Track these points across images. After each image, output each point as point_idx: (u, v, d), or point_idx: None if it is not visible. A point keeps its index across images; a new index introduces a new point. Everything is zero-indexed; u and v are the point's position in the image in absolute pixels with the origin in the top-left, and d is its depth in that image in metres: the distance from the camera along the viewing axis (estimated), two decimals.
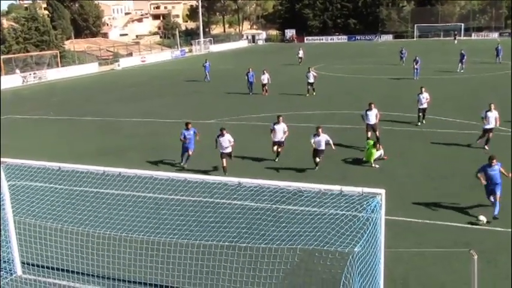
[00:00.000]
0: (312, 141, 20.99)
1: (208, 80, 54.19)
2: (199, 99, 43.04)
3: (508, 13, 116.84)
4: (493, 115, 23.39)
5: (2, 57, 65.09)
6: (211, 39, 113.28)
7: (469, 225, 15.58)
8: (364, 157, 22.68)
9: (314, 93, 41.40)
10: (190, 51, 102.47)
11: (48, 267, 12.95)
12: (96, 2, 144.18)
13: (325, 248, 11.49)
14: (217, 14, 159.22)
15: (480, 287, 10.62)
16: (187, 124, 22.43)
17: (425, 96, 28.40)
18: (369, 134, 23.91)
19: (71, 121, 35.64)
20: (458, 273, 12.57)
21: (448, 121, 29.87)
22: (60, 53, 75.10)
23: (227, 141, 20.81)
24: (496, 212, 15.58)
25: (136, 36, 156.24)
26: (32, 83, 63.37)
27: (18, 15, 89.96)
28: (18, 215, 13.41)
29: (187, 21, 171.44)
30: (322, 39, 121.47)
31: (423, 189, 19.13)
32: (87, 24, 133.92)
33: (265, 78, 43.01)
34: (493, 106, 23.56)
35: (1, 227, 13.05)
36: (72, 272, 12.75)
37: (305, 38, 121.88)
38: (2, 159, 12.43)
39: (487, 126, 23.58)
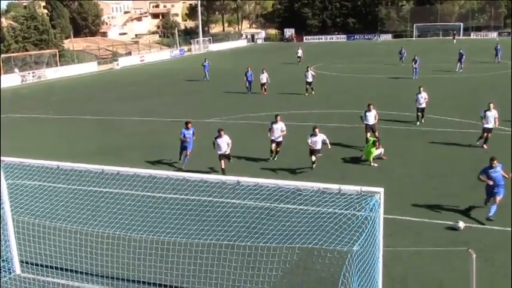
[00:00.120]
0: (309, 141, 20.89)
1: (207, 79, 54.19)
2: (199, 98, 43.04)
3: (507, 12, 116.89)
4: (492, 114, 23.39)
5: (1, 56, 65.02)
6: (211, 38, 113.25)
7: (468, 224, 15.58)
8: (363, 155, 22.69)
9: (313, 93, 41.41)
10: (190, 50, 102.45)
11: (47, 266, 12.95)
12: (95, 1, 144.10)
13: (323, 246, 11.48)
14: (217, 13, 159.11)
15: (478, 285, 10.64)
16: (187, 123, 22.30)
17: (423, 96, 28.40)
18: (368, 134, 23.91)
19: (70, 120, 35.63)
20: (456, 271, 12.59)
21: (447, 120, 29.89)
22: (59, 52, 75.04)
23: (225, 142, 20.59)
24: (490, 214, 15.45)
25: (136, 35, 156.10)
26: (31, 82, 63.35)
27: (17, 14, 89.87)
28: (16, 214, 13.41)
29: (186, 20, 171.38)
30: (321, 39, 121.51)
31: (422, 188, 19.15)
32: (86, 23, 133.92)
33: (264, 77, 43.02)
34: (492, 105, 23.57)
35: (0, 226, 13.04)
36: (71, 270, 12.76)
37: (304, 37, 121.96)
38: (1, 157, 12.43)
39: (486, 126, 23.59)
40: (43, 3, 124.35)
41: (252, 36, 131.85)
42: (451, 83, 45.37)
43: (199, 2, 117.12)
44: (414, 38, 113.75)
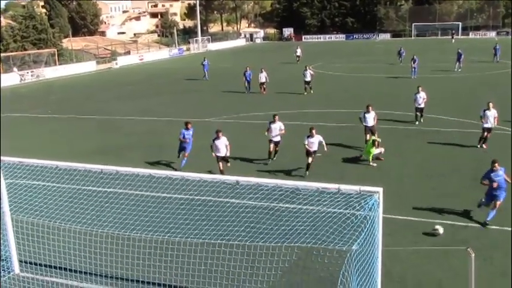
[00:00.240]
0: (306, 142, 20.57)
1: (206, 78, 54.18)
2: (197, 97, 43.04)
3: (506, 12, 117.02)
4: (492, 114, 23.33)
5: (0, 55, 64.96)
6: (209, 37, 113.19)
7: (466, 223, 15.61)
8: (362, 154, 22.69)
9: (311, 92, 41.44)
10: (188, 49, 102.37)
11: (45, 266, 12.95)
12: (93, 0, 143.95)
13: (323, 246, 11.50)
14: (215, 12, 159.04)
15: (477, 284, 10.65)
16: (187, 124, 22.08)
17: (422, 96, 28.39)
18: (368, 136, 23.74)
19: (69, 119, 35.61)
20: (455, 271, 12.62)
21: (446, 120, 29.92)
22: (57, 51, 74.96)
23: (223, 144, 20.21)
24: (489, 218, 15.36)
25: (134, 34, 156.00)
26: (30, 81, 63.28)
27: (16, 14, 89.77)
28: (15, 213, 13.40)
29: (185, 20, 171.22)
30: (320, 38, 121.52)
31: (421, 187, 19.18)
32: (85, 23, 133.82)
33: (263, 76, 43.03)
34: (491, 105, 23.51)
35: None
36: (70, 270, 12.76)
37: (303, 37, 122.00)
38: (0, 157, 12.43)
39: (486, 125, 23.56)
40: (41, 3, 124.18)
41: (251, 35, 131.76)
42: (449, 83, 45.41)
43: (197, 1, 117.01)
44: (413, 38, 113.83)
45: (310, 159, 20.56)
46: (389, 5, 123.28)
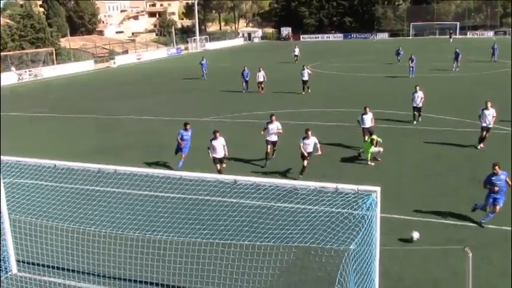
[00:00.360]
0: (301, 144, 20.14)
1: (205, 78, 54.15)
2: (195, 97, 43.04)
3: (505, 11, 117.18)
4: (490, 113, 23.27)
5: (0, 55, 64.89)
6: (207, 37, 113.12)
7: (463, 223, 15.63)
8: (362, 150, 22.65)
9: (309, 91, 41.46)
10: (186, 49, 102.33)
11: (43, 265, 12.93)
12: None
13: (320, 245, 11.51)
14: (213, 11, 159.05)
15: (474, 283, 10.67)
16: (185, 125, 21.79)
17: (419, 95, 28.39)
18: (366, 137, 23.63)
19: (67, 119, 35.58)
20: (453, 270, 12.64)
21: (444, 119, 29.95)
22: (55, 50, 74.90)
23: (221, 145, 19.97)
24: (484, 220, 15.33)
25: (132, 33, 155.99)
26: (28, 80, 63.21)
27: (14, 13, 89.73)
28: (13, 213, 13.40)
29: (183, 19, 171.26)
30: (318, 37, 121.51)
31: (418, 187, 19.20)
32: (83, 22, 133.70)
33: (260, 76, 43.01)
34: (489, 104, 23.47)
35: None
36: (68, 270, 12.75)
37: (301, 36, 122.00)
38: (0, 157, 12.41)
39: (484, 125, 23.53)
40: (39, 2, 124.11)
41: (249, 34, 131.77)
42: (447, 82, 45.46)
43: (196, 0, 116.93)
44: (411, 37, 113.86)
45: (305, 162, 20.16)
46: (387, 5, 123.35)
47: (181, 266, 12.10)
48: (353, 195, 9.95)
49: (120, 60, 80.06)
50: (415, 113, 29.06)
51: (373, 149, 21.87)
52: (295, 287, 12.00)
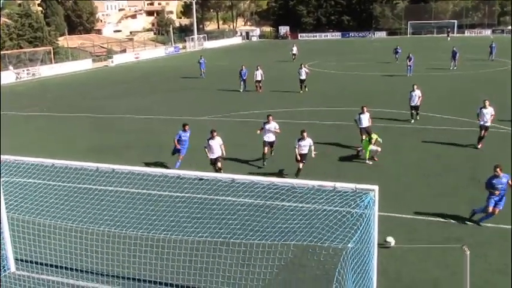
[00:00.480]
0: (296, 146, 19.82)
1: (203, 76, 54.14)
2: (193, 95, 43.01)
3: (502, 10, 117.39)
4: (488, 112, 23.22)
5: (0, 53, 64.76)
6: (205, 35, 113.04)
7: (461, 221, 15.65)
8: (361, 148, 22.64)
9: (306, 90, 41.46)
10: (184, 47, 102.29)
11: (41, 264, 12.95)
12: None
13: (318, 244, 11.53)
14: (211, 10, 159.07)
15: (472, 282, 10.70)
16: (184, 126, 21.44)
17: (417, 94, 28.38)
18: (363, 137, 23.57)
19: (65, 117, 35.54)
20: (450, 268, 12.66)
21: (441, 118, 29.97)
22: (53, 49, 74.78)
23: (218, 144, 19.77)
24: (483, 220, 15.30)
25: (130, 32, 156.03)
26: (26, 79, 63.10)
27: (12, 12, 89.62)
28: (11, 212, 13.39)
29: (181, 18, 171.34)
30: (316, 36, 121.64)
31: (416, 185, 19.22)
32: (81, 21, 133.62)
33: (258, 74, 43.02)
34: (487, 103, 23.42)
35: None
36: (66, 268, 12.76)
37: (299, 35, 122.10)
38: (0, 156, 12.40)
39: (483, 123, 23.46)
40: (37, 1, 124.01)
41: (247, 33, 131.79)
42: (445, 81, 45.50)
43: None
44: (408, 36, 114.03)
45: (301, 165, 19.79)
46: (385, 3, 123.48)
47: (180, 265, 12.12)
48: (351, 194, 9.97)
49: (118, 59, 79.99)
50: (413, 111, 29.07)
51: (372, 147, 21.87)
52: (293, 285, 12.02)
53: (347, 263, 10.06)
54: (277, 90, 42.86)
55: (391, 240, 13.83)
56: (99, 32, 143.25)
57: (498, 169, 14.84)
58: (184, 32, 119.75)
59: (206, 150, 19.96)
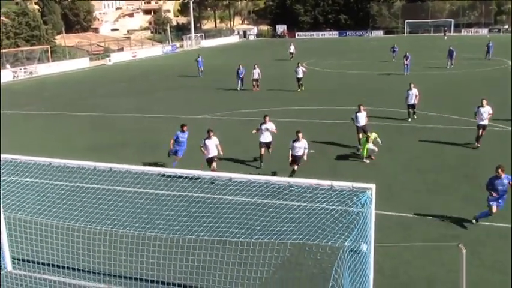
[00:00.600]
0: (291, 147, 19.43)
1: (201, 75, 54.13)
2: (190, 94, 43.00)
3: (499, 9, 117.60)
4: (486, 110, 23.18)
5: (1, 51, 64.61)
6: (203, 34, 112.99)
7: (457, 220, 15.69)
8: (360, 146, 22.68)
9: (302, 88, 41.50)
10: (182, 46, 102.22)
11: (38, 263, 12.96)
12: None
13: (315, 242, 11.55)
14: (209, 9, 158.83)
15: (468, 279, 10.74)
16: (182, 126, 21.03)
17: (414, 93, 28.37)
18: (360, 135, 23.58)
19: (62, 116, 35.51)
20: (446, 266, 12.70)
21: (438, 117, 30.02)
22: (50, 48, 74.66)
23: (214, 144, 19.53)
24: (480, 217, 15.17)
25: (128, 31, 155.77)
26: (23, 78, 63.00)
27: (9, 10, 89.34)
28: (8, 211, 13.39)
29: (178, 16, 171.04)
30: (313, 35, 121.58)
31: (413, 184, 19.26)
32: (78, 19, 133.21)
33: (255, 73, 43.06)
34: (485, 102, 23.37)
35: None
36: (63, 267, 12.76)
37: (296, 34, 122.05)
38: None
39: (480, 122, 23.44)
40: (35, 0, 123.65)
41: (244, 32, 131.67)
42: (442, 80, 45.55)
43: None
44: (405, 35, 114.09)
45: (295, 167, 19.39)
46: (382, 2, 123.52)
47: (177, 263, 12.13)
48: (348, 193, 10.00)
49: (115, 58, 79.92)
50: (410, 110, 29.09)
51: (369, 145, 21.88)
52: (290, 284, 12.04)
53: (344, 262, 10.09)
54: (274, 89, 42.88)
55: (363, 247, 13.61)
56: (96, 30, 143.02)
57: (500, 170, 14.65)
58: (181, 31, 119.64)
59: (202, 149, 19.79)
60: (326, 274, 10.90)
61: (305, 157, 19.41)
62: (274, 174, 20.62)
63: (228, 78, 47.64)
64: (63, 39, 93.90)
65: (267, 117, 21.87)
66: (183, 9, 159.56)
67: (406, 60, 48.47)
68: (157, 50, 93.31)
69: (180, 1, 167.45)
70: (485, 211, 15.17)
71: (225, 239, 12.78)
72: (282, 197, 14.95)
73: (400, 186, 18.98)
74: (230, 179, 11.20)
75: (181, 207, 14.67)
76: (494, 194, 14.77)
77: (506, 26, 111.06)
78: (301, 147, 19.31)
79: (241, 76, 43.72)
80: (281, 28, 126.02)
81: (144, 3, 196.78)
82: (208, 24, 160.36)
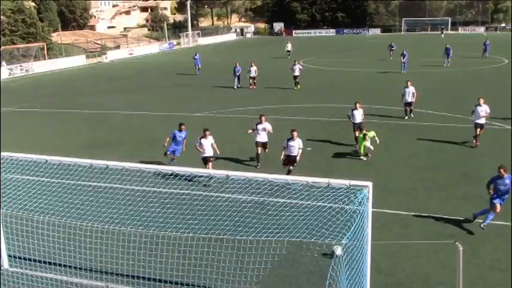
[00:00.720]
0: (285, 145, 18.91)
1: (197, 73, 54.07)
2: (187, 92, 42.94)
3: (496, 7, 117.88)
4: (483, 109, 23.11)
5: (0, 49, 64.46)
6: (200, 32, 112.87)
7: (455, 218, 15.70)
8: (359, 144, 22.67)
9: (298, 86, 41.49)
10: (179, 44, 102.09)
11: (35, 261, 12.92)
12: None
13: (312, 240, 11.55)
14: (206, 6, 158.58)
15: (465, 278, 10.73)
16: (180, 125, 20.67)
17: (411, 90, 28.35)
18: (357, 133, 23.51)
19: (59, 114, 35.43)
20: (443, 264, 12.71)
21: (435, 115, 30.04)
22: (47, 45, 74.49)
23: (209, 144, 19.24)
24: (485, 223, 14.79)
25: (124, 28, 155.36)
26: (19, 75, 62.82)
27: (5, 7, 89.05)
28: (4, 208, 13.34)
29: (175, 14, 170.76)
30: (311, 33, 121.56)
31: (410, 182, 19.26)
32: (74, 17, 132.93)
33: (252, 70, 43.02)
34: (482, 100, 23.31)
35: None
36: (60, 265, 12.72)
37: (293, 31, 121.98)
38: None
39: (478, 121, 23.41)
40: None
41: (241, 30, 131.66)
42: (439, 78, 45.59)
43: None
44: (403, 33, 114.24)
45: (290, 167, 18.86)
46: (379, 0, 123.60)
47: (173, 261, 12.12)
48: (345, 190, 9.97)
49: (112, 55, 79.81)
50: (407, 108, 29.09)
51: (366, 143, 21.87)
52: (287, 281, 12.05)
53: (341, 259, 10.09)
54: (271, 86, 42.85)
55: (338, 250, 13.43)
56: (92, 28, 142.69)
57: (502, 170, 14.47)
58: (178, 28, 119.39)
59: (198, 147, 19.47)
60: (323, 271, 10.89)
61: (298, 157, 18.88)
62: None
63: (225, 76, 47.59)
64: (60, 37, 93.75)
65: (263, 117, 21.47)
66: (180, 7, 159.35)
67: (403, 58, 48.49)
68: (154, 48, 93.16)
69: None
70: (484, 209, 15.15)
71: (222, 236, 12.77)
72: (279, 194, 14.95)
73: (397, 184, 18.98)
74: (227, 176, 11.18)
75: (178, 204, 14.66)
76: (491, 192, 14.70)
77: (503, 25, 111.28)
78: (295, 146, 18.77)
79: (238, 74, 43.66)
80: (278, 26, 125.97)
81: (141, 0, 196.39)
82: (205, 22, 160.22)
